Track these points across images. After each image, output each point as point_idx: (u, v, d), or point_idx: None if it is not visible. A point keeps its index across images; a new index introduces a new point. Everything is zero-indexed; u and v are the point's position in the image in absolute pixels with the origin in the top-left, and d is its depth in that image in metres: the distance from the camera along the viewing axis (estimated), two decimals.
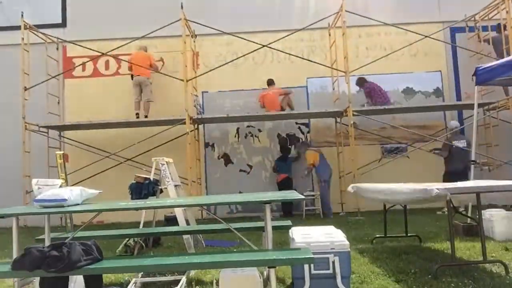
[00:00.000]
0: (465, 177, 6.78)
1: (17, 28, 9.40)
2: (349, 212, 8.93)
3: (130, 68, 9.69)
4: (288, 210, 9.36)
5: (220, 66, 9.56)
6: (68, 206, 3.24)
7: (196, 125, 9.77)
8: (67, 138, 9.99)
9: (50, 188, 3.48)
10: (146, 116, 9.50)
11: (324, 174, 9.02)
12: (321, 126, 10.29)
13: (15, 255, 3.02)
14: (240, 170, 10.19)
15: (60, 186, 3.63)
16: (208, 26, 9.22)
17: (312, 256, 2.77)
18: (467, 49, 9.73)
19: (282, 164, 9.69)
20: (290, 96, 9.71)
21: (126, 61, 9.73)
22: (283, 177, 9.51)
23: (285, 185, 9.26)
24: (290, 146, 10.12)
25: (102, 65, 10.44)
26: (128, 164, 9.36)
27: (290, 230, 3.96)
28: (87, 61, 10.03)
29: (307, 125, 10.32)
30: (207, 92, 10.38)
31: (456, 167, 7.85)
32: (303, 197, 3.41)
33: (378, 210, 6.40)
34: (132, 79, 9.67)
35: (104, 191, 3.96)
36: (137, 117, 9.48)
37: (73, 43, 9.98)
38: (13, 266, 2.76)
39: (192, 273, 4.13)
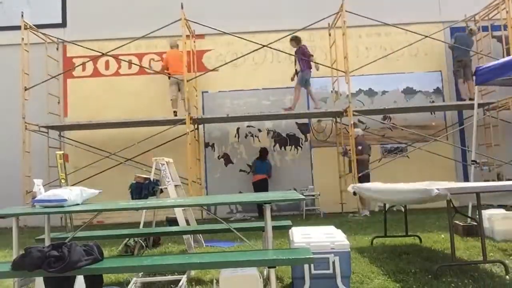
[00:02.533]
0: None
1: (17, 28, 9.39)
2: (349, 212, 8.92)
3: (166, 68, 9.62)
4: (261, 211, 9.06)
5: (220, 66, 9.56)
6: (68, 206, 3.24)
7: (196, 125, 9.77)
8: (67, 138, 9.99)
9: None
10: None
11: None
12: (321, 126, 10.29)
13: (15, 255, 3.02)
14: (240, 170, 10.19)
15: (60, 186, 3.63)
16: (208, 26, 9.22)
17: (312, 256, 2.77)
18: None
19: (259, 164, 9.55)
20: None
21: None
22: (259, 178, 9.36)
23: (261, 186, 9.14)
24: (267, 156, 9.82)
25: (102, 65, 10.44)
26: (128, 164, 9.36)
27: (290, 230, 3.96)
28: (87, 61, 10.03)
29: (307, 125, 10.32)
30: (207, 92, 10.38)
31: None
32: (303, 197, 3.40)
33: (378, 210, 6.43)
34: (169, 78, 9.56)
35: (104, 191, 3.95)
36: (175, 115, 9.39)
37: (73, 43, 9.98)
38: (13, 266, 2.76)
39: (192, 273, 4.13)
